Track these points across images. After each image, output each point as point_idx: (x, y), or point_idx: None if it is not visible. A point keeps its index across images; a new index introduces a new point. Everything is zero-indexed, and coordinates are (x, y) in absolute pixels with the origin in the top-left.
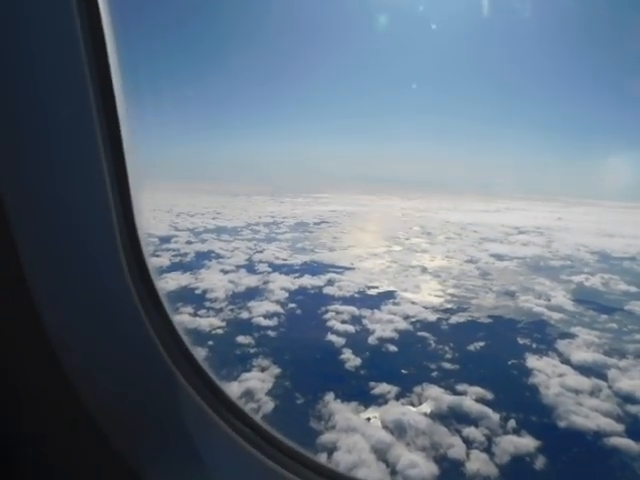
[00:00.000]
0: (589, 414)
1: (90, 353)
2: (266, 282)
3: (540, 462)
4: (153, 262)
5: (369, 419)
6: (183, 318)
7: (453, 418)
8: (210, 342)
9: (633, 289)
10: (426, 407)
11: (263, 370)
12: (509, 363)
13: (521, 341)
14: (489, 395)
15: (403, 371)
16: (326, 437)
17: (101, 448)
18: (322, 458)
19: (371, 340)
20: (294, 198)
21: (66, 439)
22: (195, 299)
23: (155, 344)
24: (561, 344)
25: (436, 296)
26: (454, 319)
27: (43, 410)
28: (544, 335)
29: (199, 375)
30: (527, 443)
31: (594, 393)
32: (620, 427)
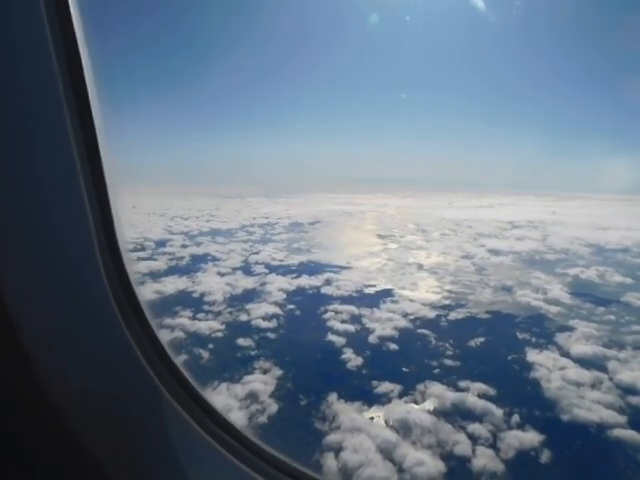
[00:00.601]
0: (591, 407)
1: (65, 359)
2: (263, 284)
3: (545, 456)
4: (134, 267)
5: (373, 418)
6: (183, 322)
7: (457, 415)
8: (210, 345)
9: (628, 280)
10: (430, 405)
11: (265, 372)
12: (510, 358)
13: (520, 336)
14: (491, 391)
15: (405, 369)
16: (332, 438)
17: (78, 457)
18: (329, 459)
19: (371, 339)
20: (288, 199)
21: (41, 446)
22: (193, 302)
23: (134, 350)
24: (560, 337)
25: (434, 293)
26: (453, 315)
27: (18, 419)
28: (543, 329)
29: (177, 380)
30: (532, 438)
31: (595, 385)
32: (623, 419)
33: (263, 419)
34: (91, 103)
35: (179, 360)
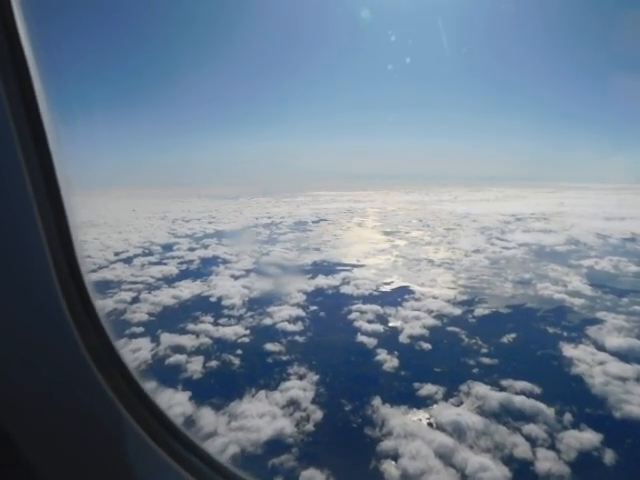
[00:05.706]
0: None
1: (10, 367)
2: (280, 285)
3: (609, 456)
4: (87, 265)
5: (423, 422)
6: (206, 327)
7: (508, 415)
8: (239, 351)
9: None
10: (478, 406)
11: (301, 378)
12: (547, 354)
13: (551, 330)
14: (537, 389)
15: (443, 369)
16: (386, 444)
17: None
18: (389, 466)
19: (402, 339)
20: (288, 197)
21: None
22: (212, 307)
23: (89, 365)
24: (591, 330)
25: (453, 289)
26: (479, 312)
27: None
28: (572, 322)
29: (129, 384)
30: (590, 437)
31: None
32: None
33: (310, 427)
34: (41, 109)
35: (136, 371)
